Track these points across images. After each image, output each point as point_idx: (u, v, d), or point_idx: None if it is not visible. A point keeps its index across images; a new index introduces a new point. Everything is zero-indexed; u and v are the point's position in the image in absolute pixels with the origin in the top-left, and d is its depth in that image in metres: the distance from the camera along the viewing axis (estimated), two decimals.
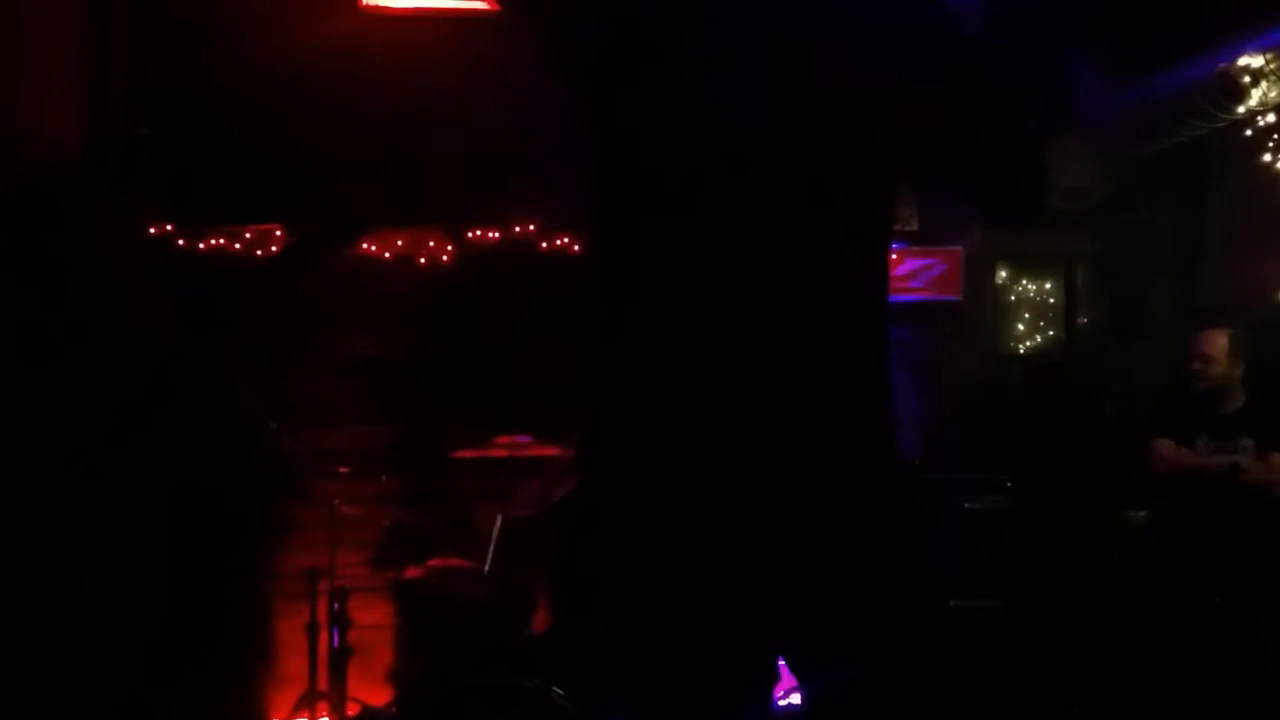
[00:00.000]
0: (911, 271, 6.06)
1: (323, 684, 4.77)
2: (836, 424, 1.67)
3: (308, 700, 4.78)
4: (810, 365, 1.66)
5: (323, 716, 4.78)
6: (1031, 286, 6.48)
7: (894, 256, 4.84)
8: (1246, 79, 4.71)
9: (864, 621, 1.67)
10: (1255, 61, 4.65)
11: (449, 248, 5.93)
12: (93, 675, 2.08)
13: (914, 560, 1.72)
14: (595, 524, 1.73)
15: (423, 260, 5.91)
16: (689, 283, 1.66)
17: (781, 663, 1.77)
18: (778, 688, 3.57)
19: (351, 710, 4.74)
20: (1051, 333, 6.04)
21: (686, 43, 1.66)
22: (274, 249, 5.75)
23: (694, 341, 1.66)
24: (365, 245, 5.87)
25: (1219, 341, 4.70)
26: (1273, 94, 4.71)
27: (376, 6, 5.82)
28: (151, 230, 5.59)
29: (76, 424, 2.06)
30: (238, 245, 5.73)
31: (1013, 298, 6.52)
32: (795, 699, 4.31)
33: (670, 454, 1.66)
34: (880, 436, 1.73)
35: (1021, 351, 6.43)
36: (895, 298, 2.00)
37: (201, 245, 5.70)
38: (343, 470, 5.00)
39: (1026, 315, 6.44)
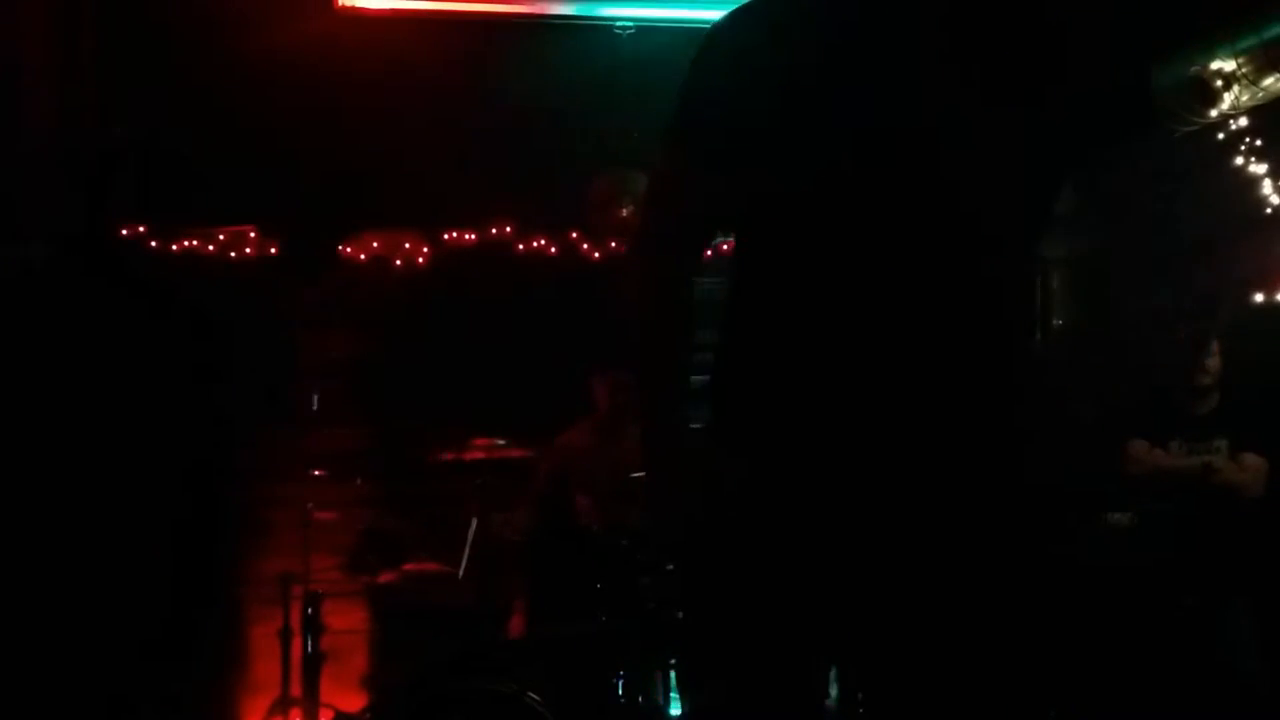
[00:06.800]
0: None
1: (296, 690, 4.74)
2: (963, 442, 1.70)
3: (280, 706, 4.75)
4: (943, 376, 1.68)
5: None
6: None
7: None
8: (1219, 83, 4.72)
9: (933, 655, 1.65)
10: (1228, 65, 4.66)
11: (425, 249, 5.90)
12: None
13: (1003, 605, 1.73)
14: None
15: (399, 262, 5.88)
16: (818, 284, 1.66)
17: None
18: None
19: (324, 716, 4.71)
20: None
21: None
22: (248, 250, 5.71)
23: (821, 340, 1.66)
24: (341, 248, 5.84)
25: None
26: (1245, 98, 4.72)
27: (352, 7, 5.79)
28: (124, 231, 5.55)
29: None
30: (211, 247, 5.69)
31: None
32: None
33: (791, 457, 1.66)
34: (1006, 462, 1.78)
35: None
36: None
37: (174, 247, 5.66)
38: (317, 473, 4.97)
39: None
